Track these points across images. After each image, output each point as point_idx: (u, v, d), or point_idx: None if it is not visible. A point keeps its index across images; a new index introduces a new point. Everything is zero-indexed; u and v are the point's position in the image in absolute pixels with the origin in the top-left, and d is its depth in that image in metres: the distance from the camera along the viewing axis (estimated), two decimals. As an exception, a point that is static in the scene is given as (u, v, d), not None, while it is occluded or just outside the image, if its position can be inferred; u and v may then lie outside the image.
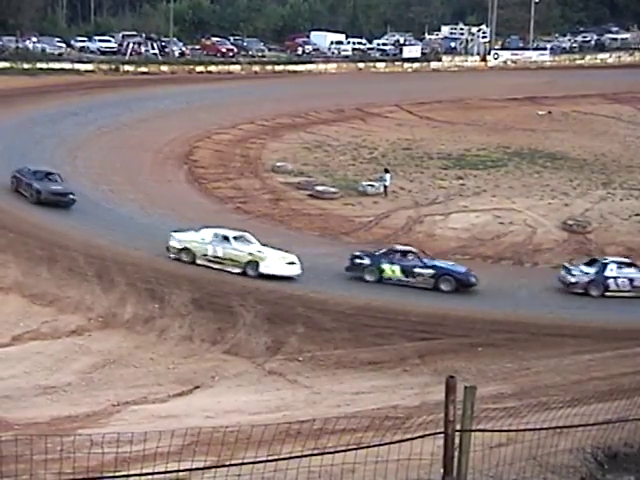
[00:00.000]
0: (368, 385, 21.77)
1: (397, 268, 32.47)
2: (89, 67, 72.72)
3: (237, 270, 31.67)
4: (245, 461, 7.27)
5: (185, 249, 32.32)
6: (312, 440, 9.56)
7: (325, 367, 23.54)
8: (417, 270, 32.37)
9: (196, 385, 21.71)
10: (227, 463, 7.56)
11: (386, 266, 32.54)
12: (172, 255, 32.39)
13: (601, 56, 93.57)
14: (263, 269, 31.53)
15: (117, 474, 7.75)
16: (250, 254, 31.91)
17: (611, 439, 9.73)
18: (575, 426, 9.03)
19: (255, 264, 31.60)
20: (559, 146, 58.68)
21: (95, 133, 51.51)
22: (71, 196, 37.82)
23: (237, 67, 78.94)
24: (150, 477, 7.38)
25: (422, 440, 7.11)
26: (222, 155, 51.72)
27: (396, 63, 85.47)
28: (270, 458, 7.28)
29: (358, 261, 32.68)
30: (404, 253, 33.22)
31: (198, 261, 32.12)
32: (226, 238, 32.35)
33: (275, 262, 31.73)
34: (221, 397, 20.81)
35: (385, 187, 45.32)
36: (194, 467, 7.34)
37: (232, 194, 44.30)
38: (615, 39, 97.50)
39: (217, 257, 32.09)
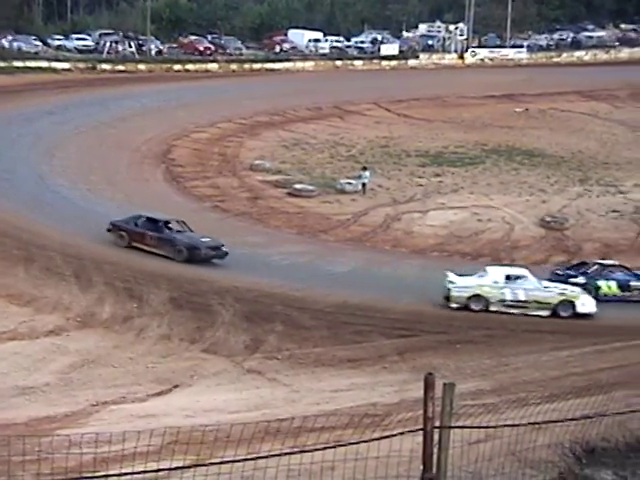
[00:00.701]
0: (347, 383, 21.78)
1: (613, 284, 31.20)
2: (66, 66, 72.33)
3: (545, 313, 28.92)
4: (224, 460, 7.26)
5: (475, 296, 29.18)
6: (291, 438, 9.56)
7: (304, 365, 23.53)
8: (633, 284, 31.34)
9: (175, 384, 21.63)
10: (206, 462, 7.55)
11: (602, 283, 31.21)
12: (455, 305, 29.17)
13: (577, 54, 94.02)
14: (580, 308, 29.10)
15: (96, 474, 7.72)
16: (562, 294, 29.31)
17: (589, 434, 9.78)
18: (553, 422, 9.07)
19: (570, 304, 29.07)
20: (536, 143, 58.92)
21: (72, 132, 51.25)
22: (224, 248, 33.18)
23: (215, 66, 78.78)
24: (129, 477, 7.36)
25: (401, 437, 7.13)
26: (200, 154, 51.61)
27: (374, 61, 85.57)
28: (249, 456, 7.27)
29: (573, 280, 30.67)
30: (612, 267, 32.05)
31: (492, 307, 29.13)
32: (518, 277, 29.51)
33: (588, 299, 29.45)
34: (200, 396, 20.76)
35: (363, 185, 45.35)
36: (173, 467, 7.32)
37: (210, 193, 44.20)
38: (591, 37, 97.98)
39: (518, 301, 29.19)
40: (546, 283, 29.78)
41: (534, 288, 29.14)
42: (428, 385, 6.47)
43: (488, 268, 30.79)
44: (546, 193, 47.14)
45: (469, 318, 28.60)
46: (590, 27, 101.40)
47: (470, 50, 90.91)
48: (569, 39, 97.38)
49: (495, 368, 22.66)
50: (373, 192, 45.45)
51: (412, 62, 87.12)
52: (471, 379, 20.54)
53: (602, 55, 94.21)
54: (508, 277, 29.34)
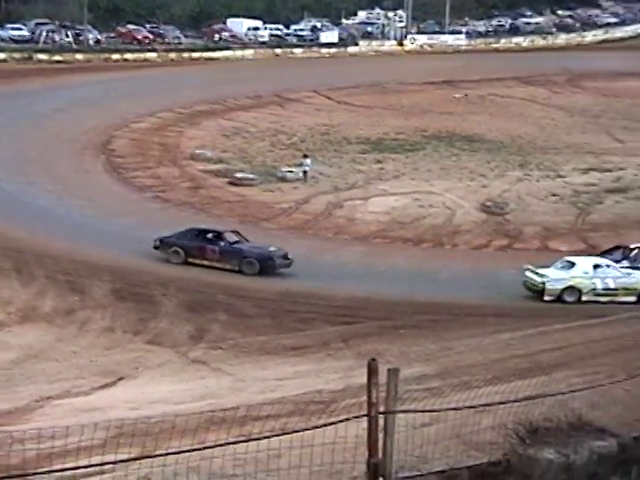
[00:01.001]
0: (292, 370, 21.78)
1: None
2: (1, 56, 71.18)
3: (632, 299, 29.31)
4: (170, 451, 7.22)
5: (569, 288, 29.57)
6: (237, 427, 9.55)
7: (248, 354, 23.50)
8: None
9: (120, 377, 21.47)
10: (152, 454, 7.51)
11: None
12: (549, 297, 29.36)
13: (515, 40, 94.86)
14: None
15: (39, 470, 7.63)
16: None
17: (532, 415, 9.90)
18: (497, 403, 9.16)
19: None
20: (476, 129, 59.33)
21: (7, 123, 50.47)
22: (290, 256, 32.14)
23: (153, 55, 78.05)
24: (73, 472, 7.29)
25: (347, 423, 7.14)
26: (140, 144, 51.19)
27: (313, 49, 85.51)
28: (195, 447, 7.24)
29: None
30: None
31: (584, 298, 29.56)
32: (606, 266, 30.07)
33: None
34: (145, 388, 20.63)
35: (305, 172, 45.36)
36: (118, 459, 7.26)
37: (151, 183, 43.89)
38: (529, 23, 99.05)
39: (608, 289, 29.58)
40: (626, 270, 30.19)
41: (621, 275, 29.77)
42: (371, 371, 6.50)
43: (571, 258, 31.08)
44: (486, 178, 47.52)
45: (412, 303, 28.79)
46: (528, 13, 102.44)
47: (409, 37, 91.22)
48: (507, 25, 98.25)
49: (439, 352, 22.81)
50: (314, 180, 45.46)
51: (352, 49, 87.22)
52: (415, 364, 20.65)
53: (540, 41, 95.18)
54: (596, 266, 29.92)
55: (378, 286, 30.39)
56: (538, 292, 29.63)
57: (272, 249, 31.96)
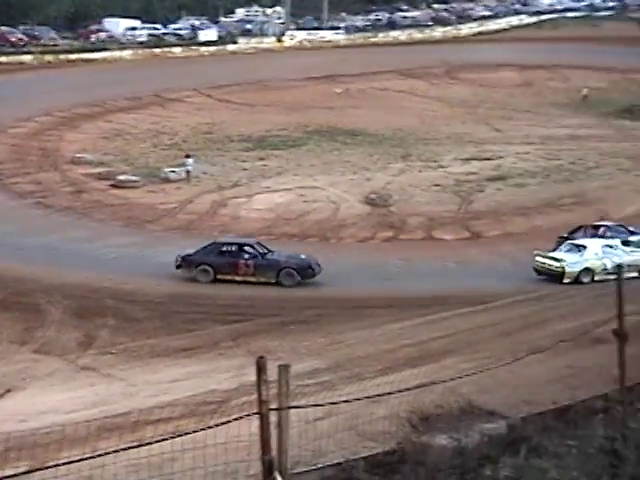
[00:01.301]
0: (184, 372, 21.60)
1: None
2: None
3: (635, 274, 29.69)
4: (60, 462, 7.06)
5: (585, 270, 31.21)
6: (129, 432, 9.43)
7: (139, 358, 23.20)
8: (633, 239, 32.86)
9: (7, 389, 20.92)
10: (42, 467, 7.33)
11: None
12: (568, 280, 30.82)
13: (393, 34, 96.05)
14: None
15: None
16: None
17: (423, 402, 10.04)
18: (389, 393, 9.24)
19: None
20: (358, 122, 59.79)
21: None
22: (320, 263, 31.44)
23: (29, 57, 76.30)
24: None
25: (241, 422, 7.10)
26: (19, 149, 50.02)
27: (192, 47, 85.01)
28: (86, 456, 7.10)
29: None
30: (617, 227, 34.25)
31: (597, 277, 30.91)
32: (612, 247, 31.90)
33: None
34: (34, 398, 20.16)
35: (188, 172, 45.05)
36: (6, 475, 7.07)
37: (31, 189, 42.95)
38: (406, 17, 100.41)
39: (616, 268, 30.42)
40: (626, 248, 32.10)
41: (624, 253, 31.56)
42: (260, 368, 6.48)
43: (579, 242, 32.66)
44: (369, 171, 47.96)
45: (301, 298, 28.87)
46: (405, 8, 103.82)
47: (288, 33, 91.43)
48: (385, 20, 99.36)
49: (329, 346, 22.90)
50: (198, 179, 45.20)
51: (231, 47, 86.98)
52: (306, 358, 20.68)
53: (417, 34, 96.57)
54: (604, 247, 31.83)
55: (266, 284, 30.38)
56: (556, 276, 31.21)
57: (303, 257, 31.35)
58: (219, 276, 30.52)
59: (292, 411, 6.97)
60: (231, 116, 61.16)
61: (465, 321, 23.45)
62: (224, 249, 31.06)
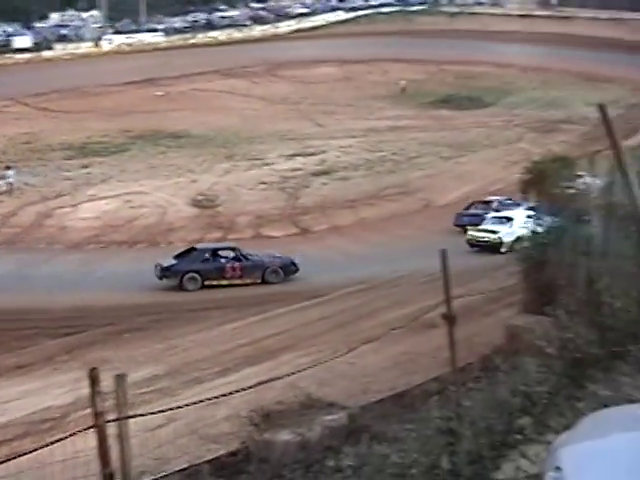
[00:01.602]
0: (18, 390, 20.94)
1: None
2: None
3: None
4: None
5: (518, 238, 29.82)
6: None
7: (-31, 379, 22.38)
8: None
9: None
10: None
11: None
12: (505, 249, 31.67)
13: (212, 34, 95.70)
14: None
15: None
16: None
17: (264, 400, 10.09)
18: (229, 394, 9.25)
19: None
20: (180, 125, 59.37)
21: None
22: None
23: None
24: None
25: (78, 437, 6.95)
26: None
27: (6, 55, 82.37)
28: None
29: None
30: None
31: (524, 244, 30.79)
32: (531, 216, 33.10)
33: None
34: None
35: (10, 184, 43.74)
36: None
37: None
38: (224, 17, 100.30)
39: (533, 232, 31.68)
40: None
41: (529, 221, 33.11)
42: (93, 380, 6.38)
43: (504, 214, 34.91)
44: (195, 173, 47.76)
45: (134, 306, 28.50)
46: (222, 7, 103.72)
47: (105, 37, 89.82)
48: (203, 20, 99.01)
49: (166, 352, 22.70)
50: (20, 191, 43.94)
51: (47, 54, 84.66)
52: (144, 366, 20.42)
53: (236, 34, 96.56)
54: (528, 217, 32.21)
55: (98, 293, 29.82)
56: (494, 246, 33.02)
57: (281, 256, 32.13)
58: (206, 282, 30.86)
59: (132, 420, 6.87)
60: (51, 124, 59.65)
61: (300, 316, 23.71)
62: (207, 256, 31.55)
